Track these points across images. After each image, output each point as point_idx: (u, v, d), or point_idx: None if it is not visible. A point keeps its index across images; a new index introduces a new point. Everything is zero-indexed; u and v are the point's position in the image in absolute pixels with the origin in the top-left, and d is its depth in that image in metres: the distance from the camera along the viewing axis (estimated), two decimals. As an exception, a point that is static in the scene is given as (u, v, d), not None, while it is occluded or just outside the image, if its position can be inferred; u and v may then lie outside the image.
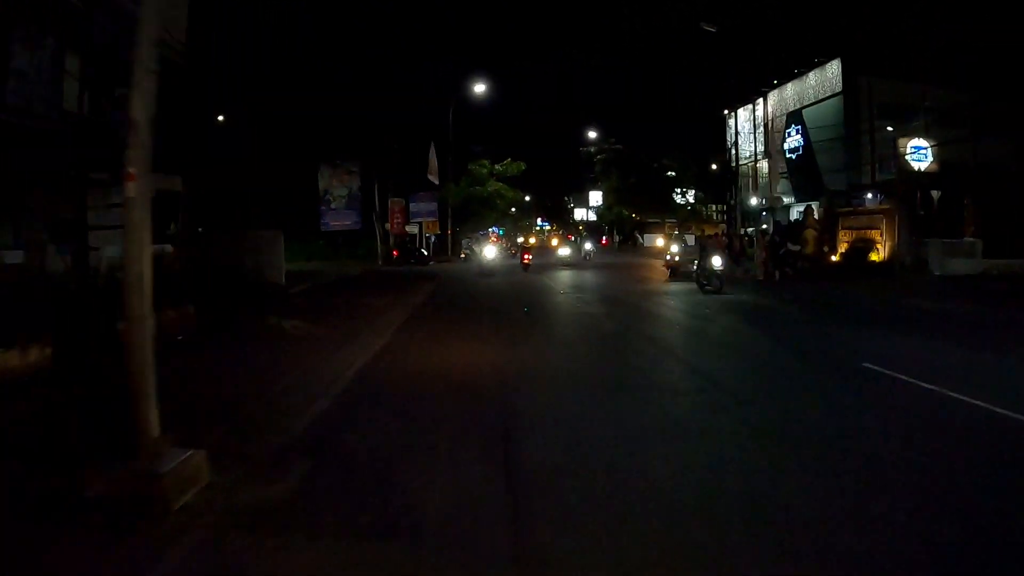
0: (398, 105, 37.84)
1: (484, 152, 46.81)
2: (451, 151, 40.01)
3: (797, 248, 28.41)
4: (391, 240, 40.02)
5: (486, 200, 45.23)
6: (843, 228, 27.69)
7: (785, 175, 55.05)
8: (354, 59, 40.21)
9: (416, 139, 38.64)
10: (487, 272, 27.06)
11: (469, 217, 44.18)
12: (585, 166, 56.39)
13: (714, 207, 48.25)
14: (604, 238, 76.78)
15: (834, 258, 27.68)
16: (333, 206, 41.79)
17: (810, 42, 50.54)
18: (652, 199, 38.84)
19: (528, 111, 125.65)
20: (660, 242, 46.56)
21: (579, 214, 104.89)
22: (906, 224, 25.19)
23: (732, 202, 38.18)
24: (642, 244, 56.93)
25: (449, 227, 41.53)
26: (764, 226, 34.22)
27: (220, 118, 36.62)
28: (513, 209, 70.01)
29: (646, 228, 59.54)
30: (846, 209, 28.52)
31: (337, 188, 41.64)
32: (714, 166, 54.38)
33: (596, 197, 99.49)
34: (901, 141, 28.93)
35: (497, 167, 45.79)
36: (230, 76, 34.32)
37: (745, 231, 43.37)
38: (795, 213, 56.80)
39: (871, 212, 26.55)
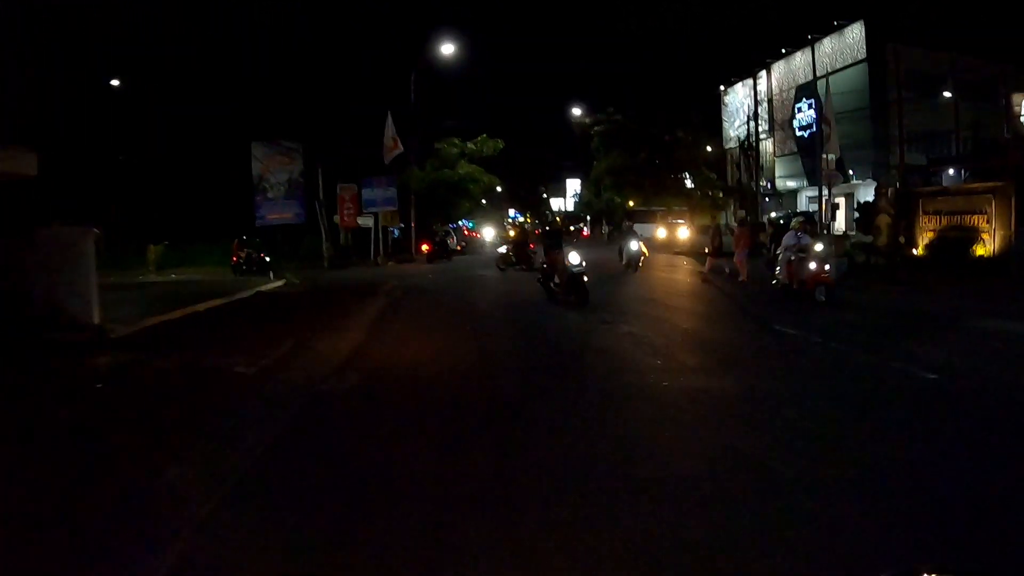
0: (349, 70, 30.63)
1: (454, 129, 39.59)
2: (415, 127, 32.79)
3: (869, 239, 22.09)
4: (341, 235, 32.67)
5: (456, 185, 37.95)
6: (926, 213, 21.31)
7: (789, 155, 48.98)
8: (294, 14, 32.80)
9: (372, 112, 31.42)
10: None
11: (436, 206, 37.11)
12: (577, 143, 49.34)
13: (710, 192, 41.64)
14: (585, 229, 70.12)
15: (916, 252, 21.25)
16: (270, 195, 34.34)
17: (823, 6, 44.38)
18: (662, 180, 32.06)
19: (505, 83, 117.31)
20: (661, 232, 39.89)
21: (556, 204, 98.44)
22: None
23: (753, 185, 31.65)
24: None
25: (413, 218, 34.29)
26: (809, 209, 27.68)
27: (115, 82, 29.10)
28: (484, 201, 62.82)
29: (635, 217, 52.77)
30: (930, 189, 22.13)
31: (274, 173, 34.20)
32: (708, 147, 47.99)
33: (575, 185, 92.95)
34: (1016, 98, 22.54)
35: (470, 145, 38.49)
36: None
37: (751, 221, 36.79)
38: (804, 199, 50.75)
39: (969, 192, 20.17)
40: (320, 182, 30.61)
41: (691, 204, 32.11)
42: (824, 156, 21.28)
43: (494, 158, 41.45)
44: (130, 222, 37.56)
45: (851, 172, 40.25)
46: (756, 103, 33.35)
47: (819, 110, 45.40)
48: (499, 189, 68.96)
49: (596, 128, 34.82)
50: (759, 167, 32.05)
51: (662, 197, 33.47)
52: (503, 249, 26.62)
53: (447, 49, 32.03)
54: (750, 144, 32.44)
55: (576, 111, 43.13)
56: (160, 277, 30.23)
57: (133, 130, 32.79)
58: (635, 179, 32.04)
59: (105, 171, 33.08)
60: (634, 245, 22.55)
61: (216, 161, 34.63)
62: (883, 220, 21.99)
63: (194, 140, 33.90)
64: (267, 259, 27.84)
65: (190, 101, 31.65)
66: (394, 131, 30.09)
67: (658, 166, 31.01)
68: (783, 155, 49.71)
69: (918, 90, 42.21)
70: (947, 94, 34.49)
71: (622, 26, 71.98)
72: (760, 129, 47.65)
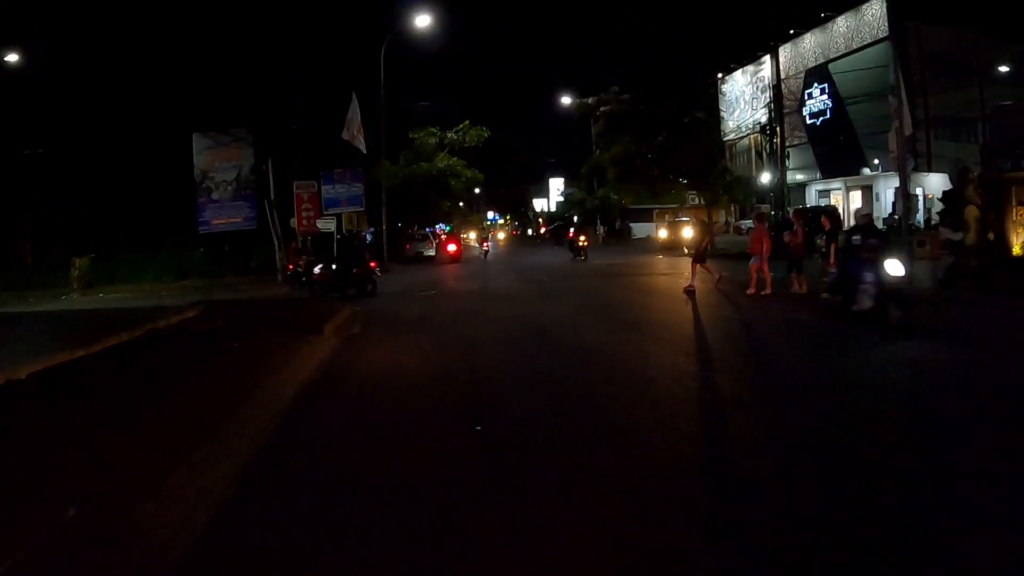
0: (308, 43, 25.81)
1: (430, 115, 34.66)
2: (386, 111, 28.00)
3: (959, 237, 17.83)
4: (299, 243, 27.67)
5: (435, 181, 33.03)
6: (1022, 204, 17.24)
7: (797, 146, 44.75)
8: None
9: (334, 94, 26.62)
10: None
11: (411, 206, 32.20)
12: (566, 136, 44.84)
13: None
14: (571, 230, 65.91)
15: (1016, 251, 17.12)
16: (215, 196, 29.37)
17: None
18: (683, 170, 27.56)
19: (485, 72, 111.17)
20: (663, 233, 35.51)
21: (538, 205, 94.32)
22: None
23: (780, 174, 27.34)
24: (632, 236, 45.97)
25: (384, 220, 29.43)
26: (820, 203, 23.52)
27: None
28: (461, 203, 57.97)
29: (629, 215, 48.62)
30: (1028, 175, 18.00)
31: (220, 169, 29.26)
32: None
33: (558, 184, 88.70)
34: None
35: (450, 135, 33.63)
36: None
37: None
38: (813, 193, 46.61)
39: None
40: (271, 178, 25.68)
41: (708, 199, 27.72)
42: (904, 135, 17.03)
43: (473, 152, 36.78)
44: (53, 230, 32.47)
45: (876, 161, 36.21)
46: (779, 79, 28.95)
47: (834, 95, 41.59)
48: (477, 191, 63.66)
49: (602, 109, 30.15)
50: (784, 154, 27.63)
51: (676, 192, 29.04)
52: (318, 268, 19.28)
53: (422, 21, 27.30)
54: (772, 128, 28.08)
55: (566, 99, 38.71)
56: (84, 298, 25.30)
57: (47, 118, 27.63)
58: (646, 169, 27.51)
59: (12, 168, 27.94)
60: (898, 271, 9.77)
61: (151, 156, 29.56)
62: (972, 213, 17.79)
63: (124, 130, 28.81)
64: (333, 267, 21.95)
65: (117, 82, 26.64)
66: (360, 121, 25.07)
67: (676, 153, 26.53)
68: (790, 146, 45.61)
69: (943, 72, 38.57)
70: (1004, 68, 30.53)
71: (620, 5, 67.65)
72: (763, 119, 43.52)
